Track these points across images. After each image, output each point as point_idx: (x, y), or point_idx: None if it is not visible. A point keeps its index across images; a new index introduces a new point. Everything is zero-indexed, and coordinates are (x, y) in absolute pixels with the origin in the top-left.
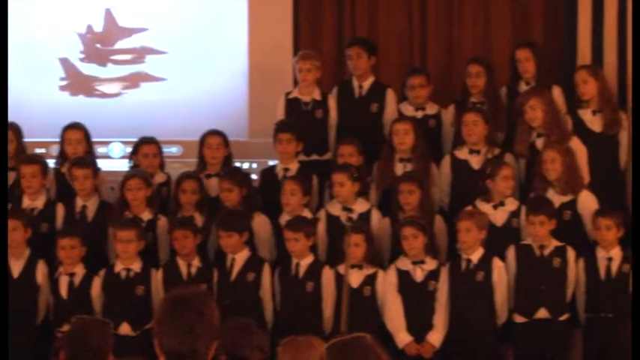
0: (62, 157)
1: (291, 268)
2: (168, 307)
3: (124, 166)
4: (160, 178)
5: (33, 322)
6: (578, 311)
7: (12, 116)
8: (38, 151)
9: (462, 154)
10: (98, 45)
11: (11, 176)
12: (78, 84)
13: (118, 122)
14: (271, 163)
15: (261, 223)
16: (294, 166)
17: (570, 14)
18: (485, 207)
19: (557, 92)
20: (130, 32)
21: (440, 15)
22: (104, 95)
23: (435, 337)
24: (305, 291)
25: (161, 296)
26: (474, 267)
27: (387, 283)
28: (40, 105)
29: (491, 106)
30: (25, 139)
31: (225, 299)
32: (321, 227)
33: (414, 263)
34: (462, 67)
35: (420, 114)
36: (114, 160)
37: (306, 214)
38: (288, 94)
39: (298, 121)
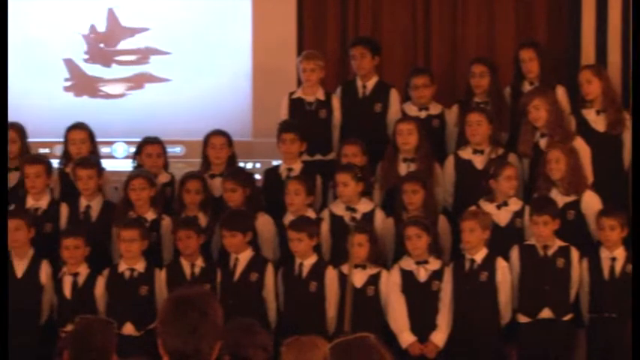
0: (66, 157)
1: (295, 268)
2: (172, 307)
3: (127, 166)
4: (163, 178)
5: (37, 322)
6: (582, 311)
7: (16, 117)
8: (42, 151)
9: (466, 154)
10: (101, 45)
11: (15, 176)
12: (82, 85)
13: (122, 122)
14: (275, 163)
15: (264, 223)
16: (297, 166)
17: (574, 14)
18: (488, 207)
19: (561, 92)
20: (132, 32)
21: (444, 14)
22: (108, 96)
23: (439, 337)
24: (308, 291)
25: (165, 296)
26: (477, 267)
27: (390, 283)
28: (44, 105)
29: (495, 106)
30: (29, 140)
31: (229, 299)
32: (325, 227)
33: (418, 263)
34: (465, 67)
35: (423, 114)
36: (117, 160)
37: (310, 214)
38: (291, 94)
39: (302, 121)
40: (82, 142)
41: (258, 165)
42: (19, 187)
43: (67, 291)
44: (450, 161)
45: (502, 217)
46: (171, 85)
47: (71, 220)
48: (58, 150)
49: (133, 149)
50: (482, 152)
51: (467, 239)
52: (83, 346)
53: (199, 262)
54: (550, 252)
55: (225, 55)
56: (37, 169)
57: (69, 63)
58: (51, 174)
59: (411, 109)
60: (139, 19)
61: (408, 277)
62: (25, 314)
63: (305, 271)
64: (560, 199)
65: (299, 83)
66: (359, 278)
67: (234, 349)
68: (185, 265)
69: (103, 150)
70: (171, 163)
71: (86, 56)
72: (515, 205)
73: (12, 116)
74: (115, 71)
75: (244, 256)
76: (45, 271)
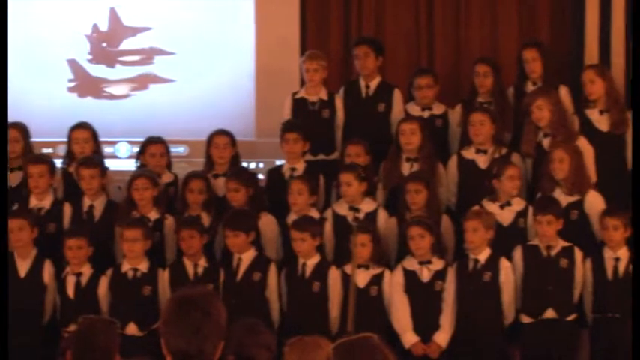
0: (70, 156)
1: (298, 268)
2: (175, 307)
3: (131, 165)
4: (167, 178)
5: (40, 321)
6: (586, 311)
7: (19, 117)
8: (45, 151)
9: (469, 154)
10: (104, 44)
11: (19, 176)
12: (86, 85)
13: (125, 122)
14: (278, 163)
15: (267, 223)
16: (300, 166)
17: (577, 14)
18: (491, 207)
19: (564, 92)
20: (134, 31)
21: (447, 15)
22: (112, 97)
23: (442, 337)
24: (311, 291)
25: (168, 296)
26: (481, 267)
27: (393, 283)
28: (48, 106)
29: (498, 106)
30: (32, 139)
31: (232, 299)
32: (328, 227)
33: (421, 263)
34: (469, 67)
35: (426, 114)
36: (121, 160)
37: (313, 214)
38: (294, 94)
39: (305, 121)
40: (85, 141)
41: (261, 165)
42: (22, 186)
43: (71, 291)
44: (453, 161)
45: (505, 217)
46: (174, 85)
47: (74, 219)
48: (62, 150)
49: (136, 149)
50: (485, 152)
51: (470, 239)
52: (86, 346)
53: (202, 262)
54: (553, 252)
55: (228, 55)
56: (40, 168)
57: (73, 64)
58: (54, 174)
59: (414, 109)
60: (141, 19)
61: (411, 277)
62: (28, 314)
63: (308, 271)
64: (564, 199)
65: (302, 83)
66: (362, 278)
67: (238, 348)
68: (188, 264)
69: (107, 150)
70: (174, 163)
71: (90, 57)
72: (518, 205)
73: (15, 116)
74: (119, 72)
75: (247, 256)
76: (48, 270)
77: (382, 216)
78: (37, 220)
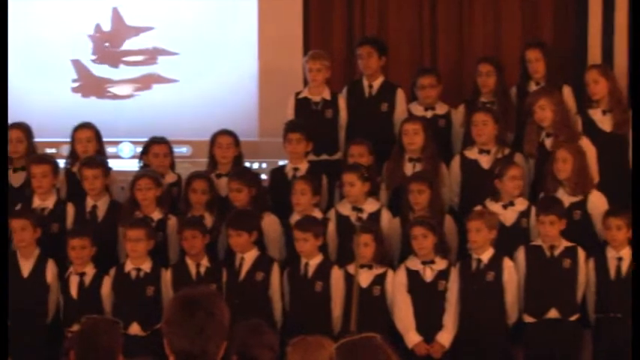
0: (73, 156)
1: (300, 267)
2: (178, 307)
3: (134, 165)
4: (170, 178)
5: (43, 321)
6: (588, 311)
7: (23, 117)
8: (48, 151)
9: (472, 153)
10: (107, 44)
11: (22, 176)
12: (90, 86)
13: (128, 122)
14: (281, 162)
15: (270, 223)
16: (303, 166)
17: (580, 13)
18: (494, 207)
19: (567, 92)
20: (137, 31)
21: (450, 14)
22: (116, 97)
23: (445, 337)
24: (314, 291)
25: (170, 296)
26: (484, 267)
27: (396, 283)
28: (51, 106)
29: (501, 105)
30: (36, 139)
31: (234, 299)
32: (331, 227)
33: (424, 263)
34: (472, 67)
35: (429, 114)
36: (124, 160)
37: (317, 214)
38: (297, 93)
39: (308, 121)
40: (88, 140)
41: (264, 165)
42: (25, 186)
43: (74, 291)
44: (456, 161)
45: (508, 216)
46: (177, 85)
47: (77, 219)
48: (65, 150)
49: (139, 149)
50: (488, 152)
51: (473, 239)
52: (89, 346)
53: (205, 262)
54: (556, 252)
55: (231, 55)
56: (43, 168)
57: (76, 64)
58: (57, 174)
59: (417, 109)
60: (144, 19)
61: (414, 277)
62: (31, 314)
63: (310, 271)
64: (567, 199)
65: (305, 83)
66: (365, 278)
67: (242, 348)
68: (190, 265)
69: (110, 150)
70: (177, 163)
71: (94, 57)
72: (521, 205)
73: (19, 116)
74: (123, 72)
75: (250, 256)
76: (51, 270)
77: (385, 216)
78: (40, 220)
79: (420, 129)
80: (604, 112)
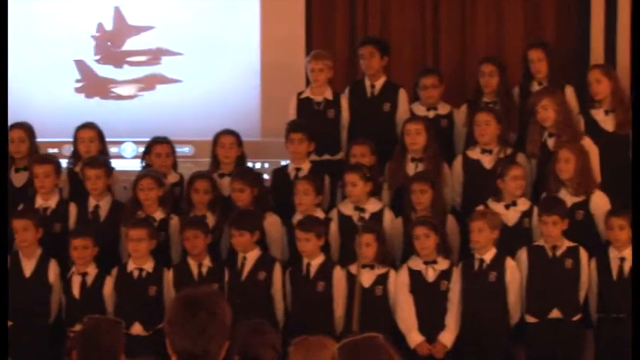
0: (75, 156)
1: (302, 268)
2: (181, 307)
3: (136, 165)
4: (172, 177)
5: (45, 321)
6: (591, 312)
7: (26, 117)
8: (51, 151)
9: (474, 153)
10: (109, 43)
11: (24, 176)
12: (93, 86)
13: (131, 122)
14: (284, 162)
15: (272, 223)
16: (305, 166)
17: (583, 13)
18: (496, 207)
19: (569, 92)
20: (138, 30)
21: (452, 14)
22: (119, 97)
23: (447, 337)
24: (316, 291)
25: (173, 296)
26: (486, 267)
27: (398, 283)
28: (55, 106)
29: (503, 105)
30: (39, 139)
31: (236, 298)
32: (334, 227)
33: (426, 263)
34: (474, 67)
35: (431, 114)
36: (126, 160)
37: (319, 214)
38: (300, 93)
39: (310, 121)
40: (90, 140)
41: (266, 165)
42: (28, 186)
43: (76, 291)
44: (459, 161)
45: (510, 216)
46: (180, 85)
47: (80, 219)
48: (67, 150)
49: (141, 149)
50: (490, 152)
51: (476, 239)
52: (92, 345)
53: (206, 262)
54: (559, 252)
55: (233, 55)
56: (45, 168)
57: (80, 64)
58: (60, 174)
59: (420, 109)
60: (146, 18)
61: (416, 276)
62: (34, 314)
63: (312, 271)
64: (569, 199)
65: (307, 83)
66: (367, 278)
67: (244, 348)
68: (192, 265)
69: (112, 150)
70: (180, 163)
71: (97, 57)
72: (523, 205)
73: (22, 116)
74: (126, 72)
75: (252, 256)
76: (53, 270)
77: (388, 216)
78: (43, 220)
79: (422, 129)
80: (606, 112)
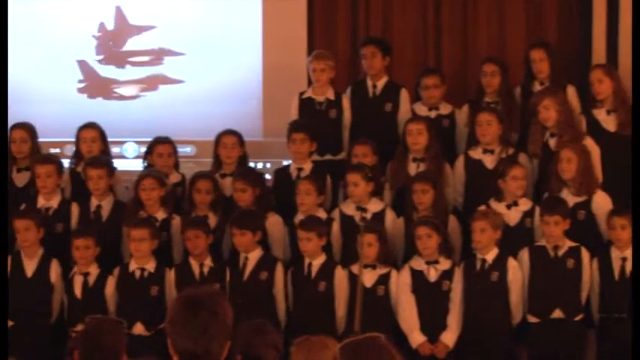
0: (78, 156)
1: (304, 267)
2: (182, 307)
3: (138, 165)
4: (174, 178)
5: (47, 321)
6: (593, 312)
7: (27, 117)
8: (53, 151)
9: (476, 153)
10: (111, 43)
11: (26, 176)
12: (96, 86)
13: (132, 122)
14: (285, 162)
15: (274, 223)
16: (307, 166)
17: (585, 14)
18: (498, 207)
19: (571, 92)
20: (139, 30)
21: (454, 15)
22: (122, 98)
23: (449, 337)
24: (317, 291)
25: (174, 296)
26: (489, 267)
27: (400, 283)
28: (57, 106)
29: (505, 105)
30: (41, 139)
31: (238, 298)
32: (336, 227)
33: (428, 263)
34: (476, 67)
35: (433, 114)
36: (128, 160)
37: (321, 214)
38: (301, 94)
39: (312, 121)
40: (92, 140)
41: (268, 165)
42: (30, 186)
43: (78, 291)
44: (460, 161)
45: (512, 216)
46: (182, 85)
47: (82, 219)
48: (69, 150)
49: (143, 149)
50: (492, 152)
51: (478, 239)
52: (93, 345)
53: (208, 262)
54: (560, 252)
55: (235, 55)
56: (47, 168)
57: (82, 65)
58: (62, 174)
59: (421, 109)
60: (147, 18)
61: (418, 276)
62: (35, 314)
63: (314, 270)
64: (571, 199)
65: (309, 83)
66: (369, 278)
67: (246, 348)
68: (194, 265)
69: (114, 150)
70: (181, 163)
71: (100, 57)
72: (525, 205)
73: (23, 116)
74: (129, 73)
75: (254, 256)
76: (55, 270)
77: (389, 216)
78: (44, 220)
79: (423, 129)
80: (608, 112)
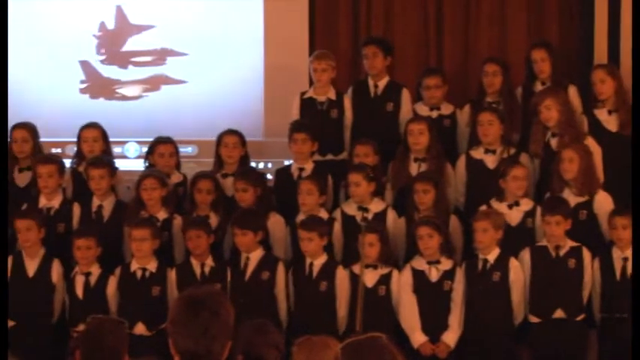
0: (79, 156)
1: (305, 267)
2: (183, 307)
3: (139, 165)
4: (176, 177)
5: (48, 321)
6: (594, 311)
7: (28, 117)
8: (54, 151)
9: (478, 153)
10: (110, 42)
11: (28, 176)
12: (98, 87)
13: (134, 122)
14: (287, 162)
15: (276, 222)
16: (309, 166)
17: (586, 14)
18: (499, 207)
19: (573, 92)
20: (140, 29)
21: (456, 15)
22: (124, 98)
23: (450, 337)
24: (319, 290)
25: (175, 296)
26: (490, 267)
27: (402, 283)
28: (59, 106)
29: (506, 105)
30: (42, 139)
31: (240, 298)
32: (337, 227)
33: (430, 263)
34: (477, 67)
35: (434, 114)
36: (130, 160)
37: (323, 214)
38: (303, 94)
39: (313, 121)
40: (94, 140)
41: (269, 165)
42: (31, 186)
43: (79, 291)
44: (462, 161)
45: (513, 216)
46: (183, 85)
47: (83, 219)
48: (70, 150)
49: (145, 149)
50: (493, 152)
51: (479, 239)
52: (95, 345)
53: (209, 262)
54: (562, 252)
55: (236, 55)
56: (49, 168)
57: (85, 65)
58: (63, 174)
59: (423, 109)
60: (148, 18)
61: (419, 276)
62: (37, 314)
63: (315, 270)
64: (573, 199)
65: (311, 83)
66: (370, 278)
67: (247, 348)
68: (195, 264)
69: (115, 150)
70: (183, 163)
71: (102, 57)
72: (526, 205)
73: (25, 116)
74: (131, 73)
75: (255, 256)
76: (56, 270)
77: (391, 216)
78: (46, 220)
79: (425, 129)
80: (610, 112)
